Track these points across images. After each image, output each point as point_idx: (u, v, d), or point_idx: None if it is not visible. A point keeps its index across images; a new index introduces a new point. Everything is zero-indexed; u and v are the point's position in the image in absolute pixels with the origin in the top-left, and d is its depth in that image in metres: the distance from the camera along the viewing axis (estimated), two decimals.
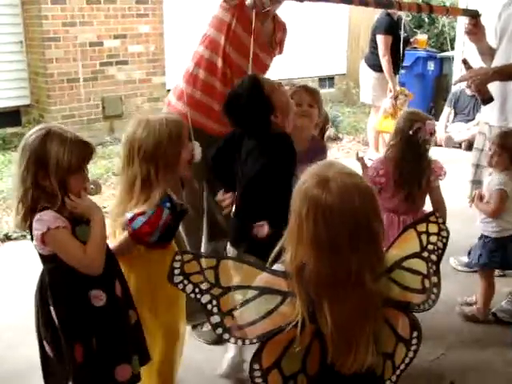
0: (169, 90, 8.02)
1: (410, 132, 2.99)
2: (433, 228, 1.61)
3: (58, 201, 1.92)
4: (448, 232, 1.62)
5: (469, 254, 3.45)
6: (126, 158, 2.23)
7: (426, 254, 1.58)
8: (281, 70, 6.82)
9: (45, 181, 1.91)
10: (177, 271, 1.50)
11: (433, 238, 1.60)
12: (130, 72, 7.63)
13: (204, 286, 1.50)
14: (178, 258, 1.51)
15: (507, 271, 3.73)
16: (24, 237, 4.57)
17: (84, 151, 1.98)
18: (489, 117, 3.58)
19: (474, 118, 7.14)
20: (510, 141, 3.21)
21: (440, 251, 1.60)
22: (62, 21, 6.92)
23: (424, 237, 1.59)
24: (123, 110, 7.57)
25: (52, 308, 1.99)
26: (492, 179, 3.28)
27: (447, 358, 3.05)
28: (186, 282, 1.50)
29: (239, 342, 1.49)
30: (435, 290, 1.56)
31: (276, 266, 1.56)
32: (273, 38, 3.09)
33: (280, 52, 3.18)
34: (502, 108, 3.44)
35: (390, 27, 6.42)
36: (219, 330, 1.48)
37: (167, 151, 2.19)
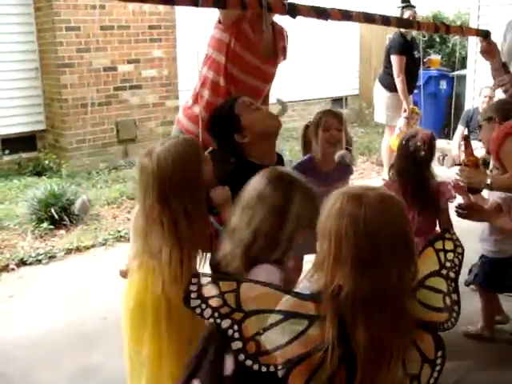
0: None
1: (403, 142, 3.00)
2: (449, 245, 1.60)
3: None
4: (463, 248, 1.61)
5: (469, 271, 3.38)
6: (157, 196, 2.07)
7: (444, 272, 1.57)
8: (294, 91, 6.87)
9: None
10: (194, 295, 1.43)
11: (450, 256, 1.59)
12: (143, 96, 7.70)
13: (224, 311, 1.43)
14: (194, 280, 1.44)
15: None
16: (39, 262, 4.60)
17: None
18: None
19: None
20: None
21: (457, 268, 1.59)
22: (77, 47, 7.02)
23: (442, 254, 1.59)
24: (137, 134, 7.62)
25: (228, 356, 1.74)
26: (497, 194, 3.18)
27: (467, 379, 3.00)
28: (203, 306, 1.43)
29: (263, 369, 1.43)
30: (456, 308, 1.56)
31: (301, 287, 1.52)
32: (274, 46, 3.07)
33: (284, 58, 3.18)
34: None
35: (404, 47, 6.45)
36: (241, 357, 1.43)
37: (194, 176, 2.09)
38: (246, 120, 2.39)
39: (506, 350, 3.24)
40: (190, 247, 2.11)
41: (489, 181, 2.86)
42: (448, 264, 1.58)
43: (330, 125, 3.00)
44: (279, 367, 1.41)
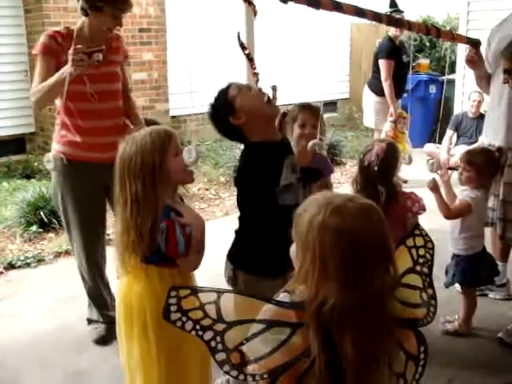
0: (173, 117, 8.16)
1: (360, 156, 3.05)
2: (419, 241, 1.62)
3: None
4: (433, 243, 1.64)
5: (446, 272, 3.45)
6: (119, 180, 2.12)
7: (418, 268, 1.59)
8: (285, 95, 6.88)
9: None
10: (173, 308, 1.41)
11: (421, 251, 1.61)
12: (133, 99, 7.66)
13: (206, 323, 1.42)
14: (173, 293, 1.42)
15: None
16: (28, 265, 4.58)
17: None
18: (495, 139, 3.60)
19: (476, 141, 7.12)
20: (476, 158, 3.29)
21: (429, 263, 1.61)
22: None
23: (414, 251, 1.61)
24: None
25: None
26: (465, 193, 3.33)
27: (457, 381, 3.02)
28: (184, 318, 1.41)
29: (249, 379, 1.41)
30: (433, 302, 1.58)
31: (281, 296, 1.50)
32: (108, 53, 3.20)
33: (126, 58, 3.55)
34: (509, 130, 3.48)
35: (392, 52, 6.47)
36: (226, 368, 1.42)
37: (153, 162, 2.09)
38: (239, 100, 2.41)
39: (494, 354, 3.25)
40: (134, 235, 2.07)
41: None
42: (421, 260, 1.60)
43: (306, 121, 3.02)
44: (265, 376, 1.40)
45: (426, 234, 1.64)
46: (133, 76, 7.63)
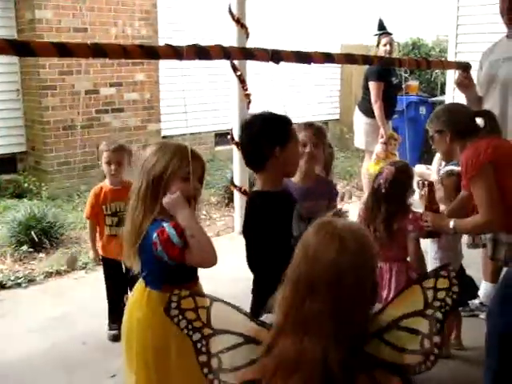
0: (164, 137, 8.17)
1: (374, 179, 3.13)
2: (442, 283, 1.47)
3: None
4: (460, 288, 1.48)
5: None
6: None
7: (430, 312, 1.46)
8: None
9: None
10: (173, 305, 1.57)
11: (441, 294, 1.46)
12: (125, 119, 7.71)
13: (197, 324, 1.55)
14: (176, 292, 1.58)
15: None
16: (18, 285, 4.56)
17: None
18: None
19: None
20: (448, 179, 3.40)
21: (447, 308, 1.46)
22: (59, 69, 7.03)
23: (430, 293, 1.47)
24: None
25: None
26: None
27: None
28: (180, 317, 1.56)
29: None
30: (436, 351, 1.44)
31: (264, 317, 1.59)
32: None
33: None
34: None
35: (382, 74, 6.52)
36: (205, 370, 1.53)
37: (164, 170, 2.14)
38: (293, 141, 2.41)
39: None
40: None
41: (451, 224, 2.96)
42: (437, 304, 1.46)
43: (307, 140, 3.00)
44: None
45: (455, 277, 1.48)
46: (125, 96, 7.67)
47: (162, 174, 2.12)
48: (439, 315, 1.45)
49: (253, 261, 2.39)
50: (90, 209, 3.71)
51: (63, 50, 2.05)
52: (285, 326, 1.42)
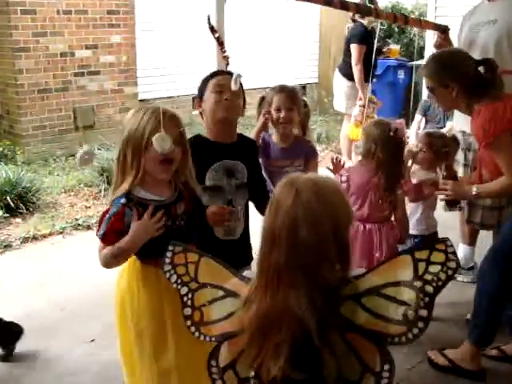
0: (141, 100, 8.07)
1: (391, 133, 3.00)
2: (438, 257, 1.41)
3: None
4: (458, 263, 1.43)
5: None
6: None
7: (418, 284, 1.41)
8: (253, 79, 6.88)
9: None
10: (167, 260, 1.63)
11: (434, 268, 1.41)
12: (101, 82, 7.59)
13: (185, 279, 1.61)
14: (170, 247, 1.63)
15: None
16: None
17: None
18: (464, 125, 3.62)
19: (444, 126, 7.22)
20: (435, 140, 3.39)
21: (440, 283, 1.41)
22: (33, 31, 6.86)
23: (422, 265, 1.41)
24: (95, 121, 7.51)
25: None
26: (417, 174, 3.41)
27: (425, 365, 3.06)
28: (172, 271, 1.62)
29: (201, 337, 1.59)
30: (421, 325, 1.41)
31: (246, 272, 1.64)
32: None
33: None
34: None
35: (365, 37, 6.49)
36: (188, 323, 1.60)
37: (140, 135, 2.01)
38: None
39: (463, 335, 3.29)
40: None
41: (474, 190, 2.87)
42: (429, 277, 1.41)
43: (281, 104, 3.04)
44: (213, 339, 1.58)
45: (453, 252, 1.42)
46: (101, 59, 7.53)
47: (141, 136, 2.01)
48: (429, 289, 1.41)
49: None
50: None
51: None
52: (260, 280, 1.46)
